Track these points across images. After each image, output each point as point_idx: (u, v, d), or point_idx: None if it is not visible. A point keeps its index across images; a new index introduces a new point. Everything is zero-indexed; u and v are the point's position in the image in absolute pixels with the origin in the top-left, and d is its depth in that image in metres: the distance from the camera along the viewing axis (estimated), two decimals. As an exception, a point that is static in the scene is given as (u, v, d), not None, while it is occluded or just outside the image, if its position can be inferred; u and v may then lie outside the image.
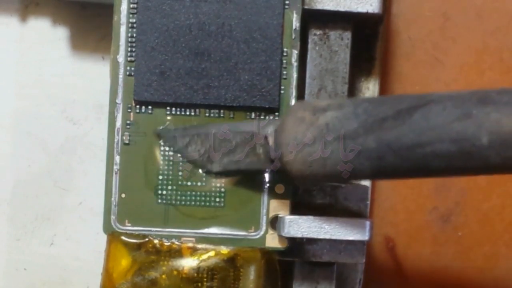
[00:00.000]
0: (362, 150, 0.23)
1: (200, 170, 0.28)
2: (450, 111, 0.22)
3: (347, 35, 0.30)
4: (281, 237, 0.28)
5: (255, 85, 0.28)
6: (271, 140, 0.26)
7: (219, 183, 0.29)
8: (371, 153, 0.23)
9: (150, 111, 0.29)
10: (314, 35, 0.30)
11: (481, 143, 0.21)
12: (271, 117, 0.29)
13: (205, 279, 0.28)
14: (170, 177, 0.29)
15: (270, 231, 0.29)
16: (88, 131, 0.32)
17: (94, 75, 0.32)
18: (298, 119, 0.24)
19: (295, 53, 0.29)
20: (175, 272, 0.28)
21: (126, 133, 0.28)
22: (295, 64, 0.29)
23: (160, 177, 0.29)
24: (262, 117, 0.29)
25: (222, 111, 0.29)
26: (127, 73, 0.28)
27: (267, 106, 0.28)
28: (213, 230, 0.29)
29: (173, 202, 0.29)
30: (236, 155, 0.27)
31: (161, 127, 0.28)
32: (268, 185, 0.28)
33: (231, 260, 0.28)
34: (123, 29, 0.28)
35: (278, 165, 0.25)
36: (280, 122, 0.25)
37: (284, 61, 0.29)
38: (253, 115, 0.29)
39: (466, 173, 0.23)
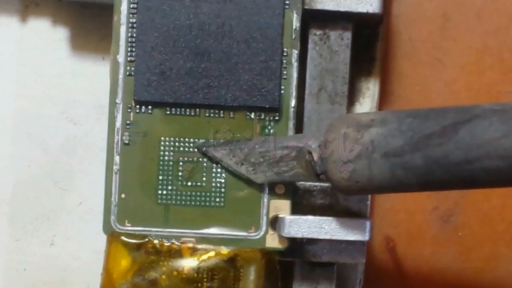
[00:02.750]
0: (409, 167, 0.23)
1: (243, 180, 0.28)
2: (497, 127, 0.22)
3: (347, 35, 0.30)
4: (281, 237, 0.28)
5: (255, 85, 0.28)
6: (316, 156, 0.26)
7: (219, 183, 0.29)
8: (419, 170, 0.23)
9: (150, 111, 0.29)
10: (314, 35, 0.30)
11: None
12: (271, 117, 0.29)
13: (205, 280, 0.28)
14: (170, 177, 0.29)
15: (270, 231, 0.29)
16: (88, 131, 0.32)
17: (94, 75, 0.32)
18: (342, 136, 0.24)
19: (295, 53, 0.29)
20: (175, 273, 0.28)
21: (126, 133, 0.28)
22: (295, 64, 0.29)
23: (160, 177, 0.29)
24: (262, 117, 0.29)
25: (222, 111, 0.29)
26: (127, 73, 0.28)
27: (267, 106, 0.28)
28: (213, 230, 0.29)
29: (173, 202, 0.29)
30: (281, 168, 0.27)
31: (202, 141, 0.28)
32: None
33: (231, 261, 0.28)
34: (123, 29, 0.28)
35: (324, 179, 0.26)
36: (323, 137, 0.25)
37: (284, 61, 0.29)
38: (253, 115, 0.29)
39: None
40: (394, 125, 0.24)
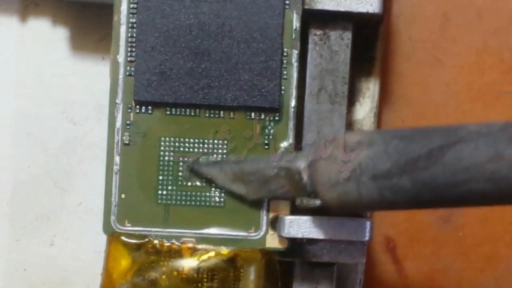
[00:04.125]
0: (398, 189, 0.23)
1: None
2: (482, 151, 0.22)
3: (348, 35, 0.30)
4: (281, 238, 0.28)
5: (255, 85, 0.28)
6: (305, 176, 0.26)
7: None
8: (407, 192, 0.23)
9: (150, 111, 0.28)
10: (314, 35, 0.30)
11: None
12: (271, 117, 0.29)
13: (205, 280, 0.28)
14: (170, 177, 0.29)
15: (270, 232, 0.29)
16: (88, 131, 0.32)
17: (94, 75, 0.32)
18: (330, 158, 0.25)
19: (295, 53, 0.29)
20: (175, 273, 0.28)
21: (126, 133, 0.28)
22: (295, 64, 0.29)
23: (160, 177, 0.29)
24: (262, 117, 0.29)
25: (222, 111, 0.29)
26: (127, 73, 0.28)
27: (267, 106, 0.28)
28: (213, 230, 0.29)
29: (173, 202, 0.29)
30: (272, 186, 0.27)
31: (191, 160, 0.28)
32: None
33: (231, 261, 0.28)
34: (123, 29, 0.28)
35: (315, 198, 0.26)
36: (311, 158, 0.26)
37: (284, 61, 0.29)
38: (253, 115, 0.29)
39: (504, 205, 0.23)
40: (381, 147, 0.24)
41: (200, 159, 0.28)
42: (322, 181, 0.25)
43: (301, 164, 0.26)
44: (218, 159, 0.28)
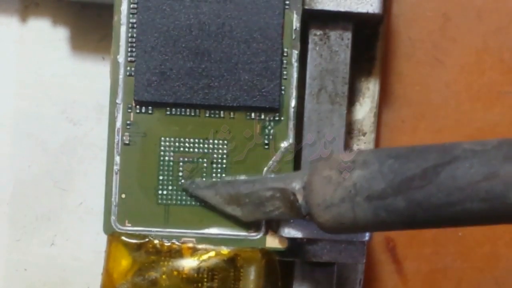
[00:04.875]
0: (392, 210, 0.23)
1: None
2: (477, 170, 0.22)
3: (348, 35, 0.30)
4: (281, 238, 0.28)
5: (256, 85, 0.28)
6: (300, 198, 0.26)
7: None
8: (402, 212, 0.23)
9: (150, 111, 0.29)
10: (315, 35, 0.30)
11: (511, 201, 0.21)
12: (272, 118, 0.29)
13: (205, 280, 0.28)
14: (170, 177, 0.29)
15: (271, 232, 0.29)
16: (88, 131, 0.32)
17: (94, 76, 0.32)
18: (324, 179, 0.24)
19: (295, 53, 0.29)
20: (175, 273, 0.28)
21: (126, 134, 0.28)
22: (295, 64, 0.29)
23: (160, 178, 0.29)
24: (262, 117, 0.29)
25: (222, 111, 0.29)
26: (127, 73, 0.28)
27: (267, 106, 0.28)
28: (213, 230, 0.29)
29: (173, 202, 0.29)
30: (267, 208, 0.27)
31: (187, 182, 0.28)
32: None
33: (232, 261, 0.28)
34: (123, 29, 0.28)
35: (310, 220, 0.26)
36: (306, 179, 0.26)
37: (285, 61, 0.29)
38: (253, 115, 0.29)
39: (498, 224, 0.23)
40: (375, 167, 0.24)
41: (196, 181, 0.28)
42: (317, 203, 0.25)
43: (296, 185, 0.26)
44: (213, 180, 0.28)
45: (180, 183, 0.28)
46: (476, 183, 0.22)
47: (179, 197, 0.29)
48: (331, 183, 0.24)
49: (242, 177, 0.28)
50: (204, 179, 0.28)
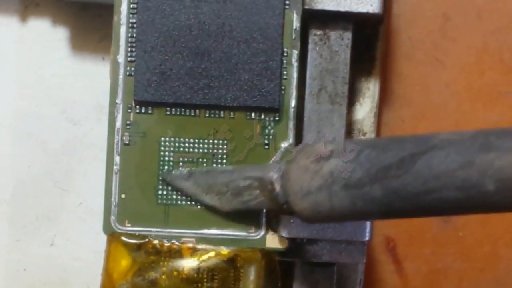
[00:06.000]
0: (369, 198, 0.23)
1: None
2: (453, 158, 0.22)
3: (348, 35, 0.30)
4: (281, 238, 0.28)
5: (256, 85, 0.28)
6: (277, 187, 0.26)
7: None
8: (379, 201, 0.23)
9: (150, 111, 0.28)
10: (315, 35, 0.30)
11: (487, 190, 0.21)
12: (271, 117, 0.29)
13: (205, 280, 0.28)
14: (170, 178, 0.29)
15: (271, 232, 0.29)
16: (88, 131, 0.32)
17: (94, 76, 0.32)
18: (302, 168, 0.24)
19: (295, 53, 0.29)
20: (175, 273, 0.28)
21: (126, 134, 0.28)
22: (295, 64, 0.29)
23: (160, 178, 0.29)
24: (262, 117, 0.29)
25: (222, 111, 0.29)
26: (127, 73, 0.28)
27: (267, 106, 0.28)
28: (213, 230, 0.29)
29: (173, 202, 0.29)
30: (245, 197, 0.27)
31: (166, 172, 0.28)
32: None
33: (231, 261, 0.28)
34: (123, 29, 0.28)
35: (287, 208, 0.26)
36: (284, 168, 0.26)
37: (285, 61, 0.29)
38: (253, 115, 0.29)
39: (475, 213, 0.23)
40: (353, 157, 0.24)
41: (173, 171, 0.28)
42: (294, 191, 0.25)
43: (274, 174, 0.26)
44: (191, 169, 0.28)
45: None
46: (452, 172, 0.22)
47: (179, 197, 0.29)
48: (308, 171, 0.24)
49: (220, 167, 0.28)
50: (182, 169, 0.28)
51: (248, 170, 0.27)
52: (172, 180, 0.28)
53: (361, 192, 0.23)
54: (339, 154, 0.24)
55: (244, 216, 0.28)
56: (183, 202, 0.29)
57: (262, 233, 0.29)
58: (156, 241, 0.28)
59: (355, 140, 0.25)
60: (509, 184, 0.21)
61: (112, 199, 0.28)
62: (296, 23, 0.28)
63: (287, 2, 0.28)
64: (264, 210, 0.28)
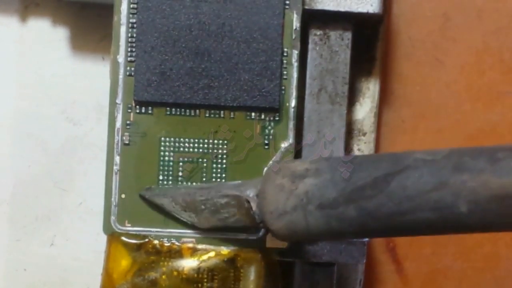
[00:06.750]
0: (344, 219, 0.23)
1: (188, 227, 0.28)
2: (427, 179, 0.22)
3: (348, 35, 0.30)
4: (281, 238, 0.28)
5: (256, 85, 0.28)
6: (254, 205, 0.26)
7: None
8: (353, 221, 0.23)
9: (150, 111, 0.28)
10: (315, 35, 0.30)
11: (461, 211, 0.21)
12: (271, 117, 0.29)
13: (205, 280, 0.28)
14: (170, 178, 0.29)
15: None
16: (88, 131, 0.32)
17: (94, 76, 0.32)
18: (277, 187, 0.24)
19: (295, 53, 0.29)
20: (175, 273, 0.28)
21: (126, 134, 0.28)
22: (295, 64, 0.29)
23: (160, 177, 0.29)
24: (262, 117, 0.29)
25: (222, 111, 0.29)
26: (127, 73, 0.28)
27: (267, 106, 0.28)
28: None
29: (173, 202, 0.29)
30: (223, 215, 0.27)
31: (145, 189, 0.28)
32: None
33: (231, 261, 0.28)
34: (123, 29, 0.28)
35: (263, 227, 0.26)
36: (260, 187, 0.25)
37: (285, 61, 0.29)
38: (253, 115, 0.29)
39: (449, 233, 0.23)
40: (328, 176, 0.23)
41: (153, 187, 0.28)
42: (270, 210, 0.24)
43: (250, 192, 0.26)
44: (169, 187, 0.28)
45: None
46: (426, 193, 0.22)
47: (179, 197, 0.29)
48: (284, 191, 0.24)
49: (198, 184, 0.28)
50: (160, 186, 0.28)
51: (225, 188, 0.27)
52: (151, 197, 0.28)
53: (336, 212, 0.23)
54: (315, 174, 0.24)
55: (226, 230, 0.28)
56: (183, 202, 0.29)
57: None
58: (156, 241, 0.28)
59: (331, 158, 0.25)
60: (482, 205, 0.21)
61: (112, 199, 0.28)
62: (296, 23, 0.28)
63: (287, 2, 0.28)
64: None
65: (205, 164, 0.29)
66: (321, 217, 0.23)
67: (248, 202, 0.26)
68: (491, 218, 0.21)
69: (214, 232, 0.28)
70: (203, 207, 0.27)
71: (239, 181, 0.28)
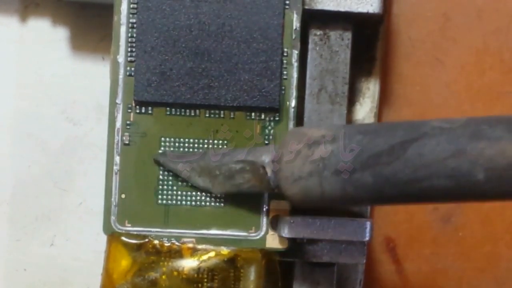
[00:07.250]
0: (360, 185, 0.23)
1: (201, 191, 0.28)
2: (444, 147, 0.22)
3: (348, 35, 0.30)
4: (281, 238, 0.28)
5: (256, 85, 0.28)
6: (269, 171, 0.26)
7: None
8: (369, 187, 0.23)
9: (150, 112, 0.29)
10: (315, 35, 0.30)
11: (477, 179, 0.21)
12: (271, 117, 0.29)
13: (205, 280, 0.28)
14: (170, 177, 0.29)
15: (271, 232, 0.29)
16: (88, 131, 0.32)
17: (94, 76, 0.32)
18: (293, 152, 0.25)
19: (295, 53, 0.29)
20: (175, 273, 0.28)
21: (126, 134, 0.28)
22: (295, 64, 0.29)
23: (160, 177, 0.29)
24: (262, 117, 0.29)
25: (222, 111, 0.29)
26: (127, 73, 0.28)
27: (267, 106, 0.28)
28: (213, 230, 0.29)
29: (173, 202, 0.29)
30: (237, 180, 0.27)
31: (159, 152, 0.28)
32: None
33: (232, 261, 0.28)
34: (123, 29, 0.28)
35: (278, 192, 0.26)
36: (275, 152, 0.26)
37: (285, 61, 0.29)
38: (253, 115, 0.29)
39: (464, 201, 0.23)
40: (344, 142, 0.24)
41: (166, 152, 0.28)
42: (285, 176, 0.25)
43: (266, 158, 0.26)
44: (184, 152, 0.28)
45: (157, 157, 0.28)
46: (443, 160, 0.22)
47: (179, 197, 0.29)
48: (300, 156, 0.24)
49: (211, 149, 0.28)
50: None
51: (240, 153, 0.27)
52: (165, 162, 0.28)
53: (352, 178, 0.23)
54: (331, 140, 0.24)
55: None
56: (183, 202, 0.29)
57: (262, 233, 0.29)
58: (156, 241, 0.28)
59: (347, 125, 0.25)
60: (499, 173, 0.21)
61: (112, 199, 0.28)
62: (296, 23, 0.28)
63: (287, 2, 0.28)
64: (265, 206, 0.28)
65: (205, 164, 0.29)
66: (336, 183, 0.23)
67: (264, 168, 0.26)
68: (507, 186, 0.21)
69: (229, 197, 0.28)
70: (217, 172, 0.27)
71: (253, 147, 0.28)
